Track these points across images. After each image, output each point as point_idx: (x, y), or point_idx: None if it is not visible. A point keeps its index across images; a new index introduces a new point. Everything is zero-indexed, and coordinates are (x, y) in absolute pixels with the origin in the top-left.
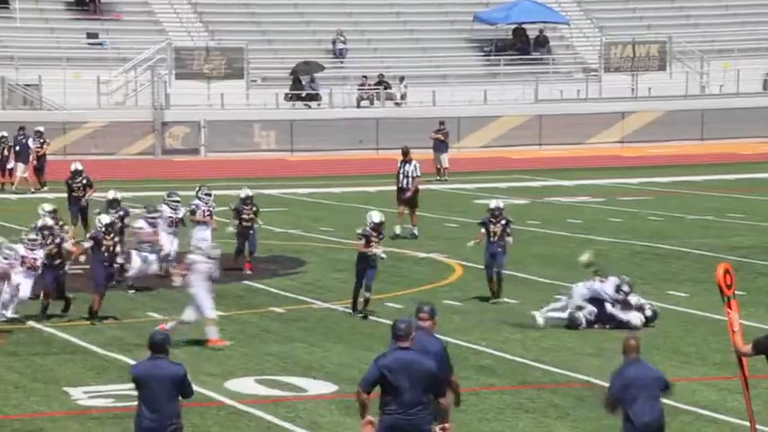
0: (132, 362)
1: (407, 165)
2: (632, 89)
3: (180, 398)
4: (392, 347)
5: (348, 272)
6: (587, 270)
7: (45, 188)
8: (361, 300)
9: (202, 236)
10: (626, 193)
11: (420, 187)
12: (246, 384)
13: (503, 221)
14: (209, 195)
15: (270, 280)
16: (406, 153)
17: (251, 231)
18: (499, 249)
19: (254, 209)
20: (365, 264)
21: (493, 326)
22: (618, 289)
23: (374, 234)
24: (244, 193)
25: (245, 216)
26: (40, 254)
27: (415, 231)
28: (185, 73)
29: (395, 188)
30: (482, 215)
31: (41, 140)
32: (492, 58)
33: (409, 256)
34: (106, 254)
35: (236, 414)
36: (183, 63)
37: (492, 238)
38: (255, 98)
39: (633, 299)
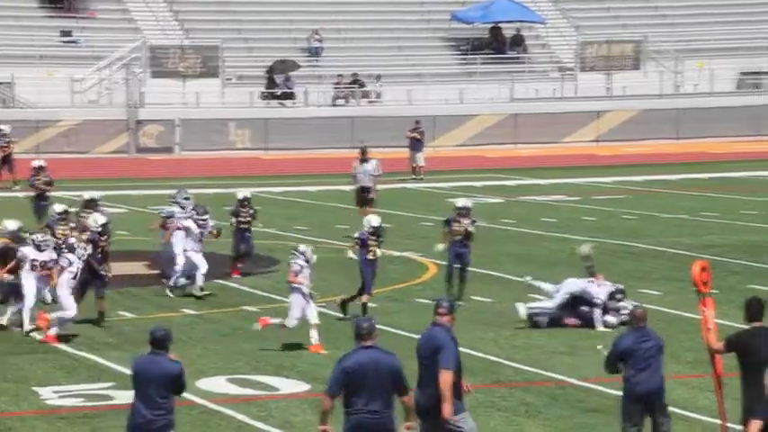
0: (102, 361)
1: (366, 164)
2: (607, 88)
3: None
4: (355, 347)
5: (321, 271)
6: (583, 263)
7: (17, 187)
8: (357, 302)
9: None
10: (601, 191)
11: (395, 186)
12: (218, 383)
13: (467, 221)
14: (206, 221)
15: (243, 279)
16: (364, 152)
17: (248, 234)
18: (464, 249)
19: (252, 211)
20: (371, 268)
21: (466, 324)
22: (612, 296)
23: (372, 238)
24: (242, 194)
25: (241, 218)
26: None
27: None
28: (160, 71)
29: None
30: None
31: (7, 140)
32: (468, 56)
33: (383, 255)
34: (99, 255)
35: (207, 413)
36: (158, 61)
37: (456, 238)
38: (230, 96)
39: (621, 304)
